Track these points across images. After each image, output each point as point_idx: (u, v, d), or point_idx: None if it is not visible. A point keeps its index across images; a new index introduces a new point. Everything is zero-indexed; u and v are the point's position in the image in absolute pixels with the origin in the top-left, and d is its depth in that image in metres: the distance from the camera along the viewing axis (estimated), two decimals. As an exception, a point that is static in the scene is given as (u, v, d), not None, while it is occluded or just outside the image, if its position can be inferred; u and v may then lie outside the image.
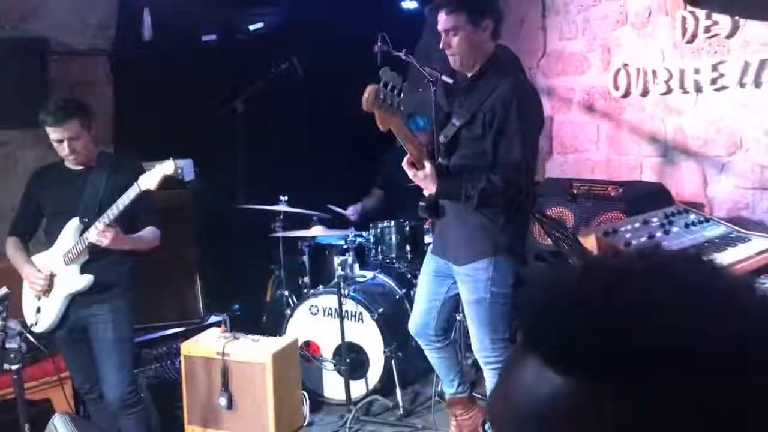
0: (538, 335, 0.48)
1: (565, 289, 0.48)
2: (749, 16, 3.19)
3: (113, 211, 2.54)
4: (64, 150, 2.64)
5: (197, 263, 3.72)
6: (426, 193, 2.65)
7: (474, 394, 3.09)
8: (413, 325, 2.85)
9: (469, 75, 2.56)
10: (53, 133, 2.61)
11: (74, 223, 2.67)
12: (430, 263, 2.78)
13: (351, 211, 4.20)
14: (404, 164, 2.48)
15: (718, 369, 0.41)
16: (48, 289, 2.69)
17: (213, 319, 3.66)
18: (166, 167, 2.51)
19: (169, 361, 3.42)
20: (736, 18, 3.25)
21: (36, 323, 2.72)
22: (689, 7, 3.41)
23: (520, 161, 2.42)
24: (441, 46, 2.53)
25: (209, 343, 3.18)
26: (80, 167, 2.73)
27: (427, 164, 2.44)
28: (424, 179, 2.47)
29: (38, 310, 2.72)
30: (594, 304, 0.45)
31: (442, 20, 2.48)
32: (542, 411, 0.45)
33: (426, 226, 3.60)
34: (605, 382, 0.43)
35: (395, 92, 2.20)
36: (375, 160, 4.35)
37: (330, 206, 4.14)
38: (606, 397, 0.43)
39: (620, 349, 0.42)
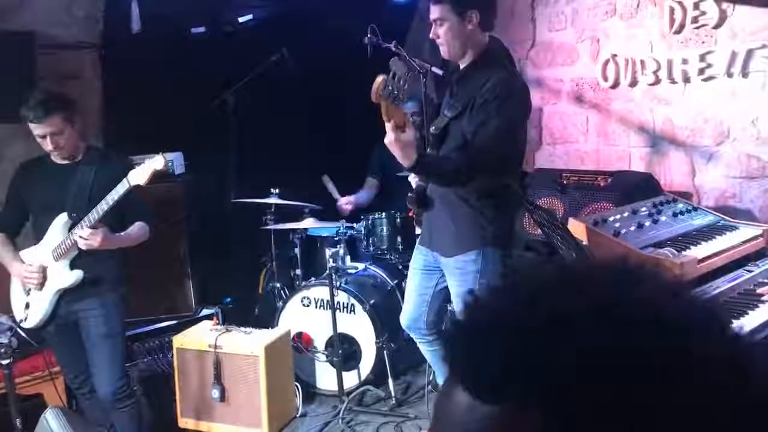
0: (463, 373, 0.48)
1: (484, 323, 0.48)
2: (738, 1, 3.21)
3: (103, 207, 2.52)
4: (48, 145, 2.61)
5: (189, 256, 3.72)
6: (414, 185, 2.66)
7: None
8: (404, 319, 2.85)
9: (461, 67, 2.56)
10: (36, 129, 2.58)
11: (63, 218, 2.65)
12: (418, 258, 2.78)
13: (345, 201, 4.15)
14: (388, 127, 2.33)
15: (642, 384, 0.42)
16: (42, 281, 2.67)
17: (205, 311, 3.67)
18: (155, 162, 2.49)
19: (161, 355, 3.42)
20: (724, 8, 3.27)
21: (25, 319, 2.70)
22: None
23: (492, 147, 2.40)
24: (431, 35, 2.54)
25: (201, 336, 3.18)
26: (67, 161, 2.71)
27: (411, 131, 2.35)
28: (406, 144, 2.33)
29: (27, 306, 2.71)
30: (512, 330, 0.45)
31: (431, 10, 2.50)
32: None
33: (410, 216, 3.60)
34: (530, 407, 0.43)
35: (402, 83, 2.19)
36: (366, 153, 4.35)
37: (329, 184, 4.08)
38: (534, 422, 0.43)
39: (537, 370, 0.43)
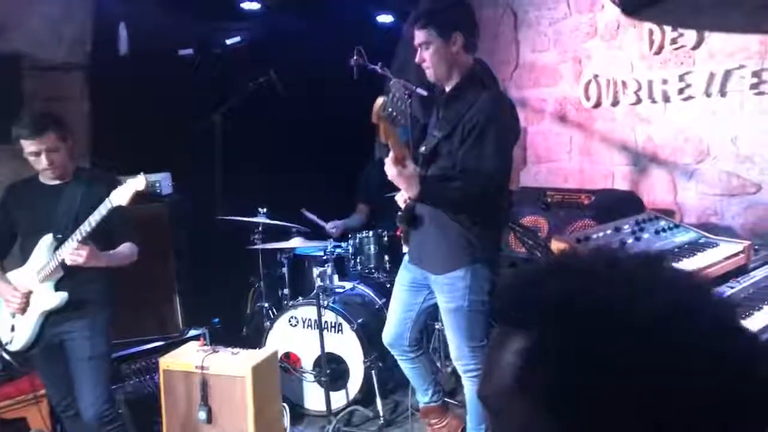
0: (507, 303, 0.62)
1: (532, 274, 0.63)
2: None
3: (86, 228, 2.51)
4: (41, 163, 2.61)
5: (176, 277, 3.70)
6: (402, 203, 2.68)
7: (452, 401, 3.11)
8: (387, 335, 2.86)
9: (448, 88, 2.60)
10: (30, 146, 2.58)
11: (48, 239, 2.64)
12: (406, 274, 2.81)
13: (331, 226, 4.20)
14: (388, 161, 2.40)
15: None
16: (25, 306, 2.66)
17: (192, 332, 3.64)
18: (137, 182, 2.48)
19: (148, 376, 3.39)
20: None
21: (11, 341, 2.68)
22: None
23: (493, 170, 2.46)
24: (417, 60, 2.58)
25: (188, 357, 3.16)
26: (56, 181, 2.71)
27: (410, 164, 2.41)
28: (409, 178, 2.39)
29: (12, 329, 2.69)
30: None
31: (416, 35, 2.54)
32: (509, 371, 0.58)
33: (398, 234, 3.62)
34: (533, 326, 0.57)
35: (401, 105, 2.23)
36: (355, 173, 4.39)
37: (309, 215, 4.14)
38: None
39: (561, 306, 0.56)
